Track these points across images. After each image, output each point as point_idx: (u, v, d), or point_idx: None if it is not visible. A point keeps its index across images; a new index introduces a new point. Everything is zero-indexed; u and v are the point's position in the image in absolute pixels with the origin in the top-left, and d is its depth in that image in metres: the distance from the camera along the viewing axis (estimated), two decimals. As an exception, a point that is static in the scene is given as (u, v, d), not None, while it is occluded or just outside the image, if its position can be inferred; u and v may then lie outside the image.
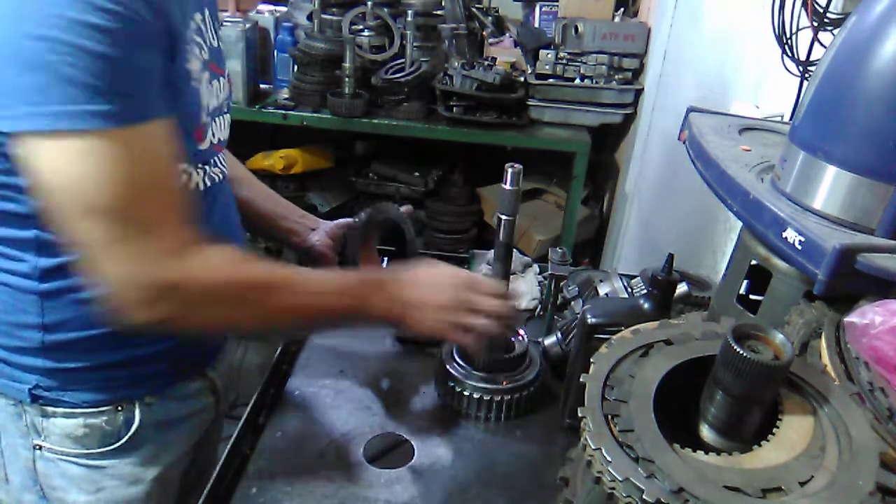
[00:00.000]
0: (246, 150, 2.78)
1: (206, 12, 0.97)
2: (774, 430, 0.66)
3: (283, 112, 2.60)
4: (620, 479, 0.59)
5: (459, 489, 1.02)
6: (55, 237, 0.86)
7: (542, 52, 2.63)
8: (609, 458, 0.61)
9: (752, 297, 1.01)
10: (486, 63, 2.60)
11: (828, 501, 0.59)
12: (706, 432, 0.71)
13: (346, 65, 2.50)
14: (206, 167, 1.01)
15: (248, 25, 2.54)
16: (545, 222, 3.00)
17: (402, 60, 2.61)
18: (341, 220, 1.29)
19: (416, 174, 3.01)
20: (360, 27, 2.67)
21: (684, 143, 1.16)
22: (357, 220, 1.26)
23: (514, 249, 1.20)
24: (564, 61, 2.64)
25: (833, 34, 1.31)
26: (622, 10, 2.91)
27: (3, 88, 0.74)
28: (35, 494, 1.07)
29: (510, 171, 1.01)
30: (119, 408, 1.03)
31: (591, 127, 2.72)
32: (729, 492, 0.59)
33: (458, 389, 1.15)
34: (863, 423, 0.66)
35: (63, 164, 0.76)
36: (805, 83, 1.40)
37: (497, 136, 2.63)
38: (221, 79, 1.02)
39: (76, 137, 0.75)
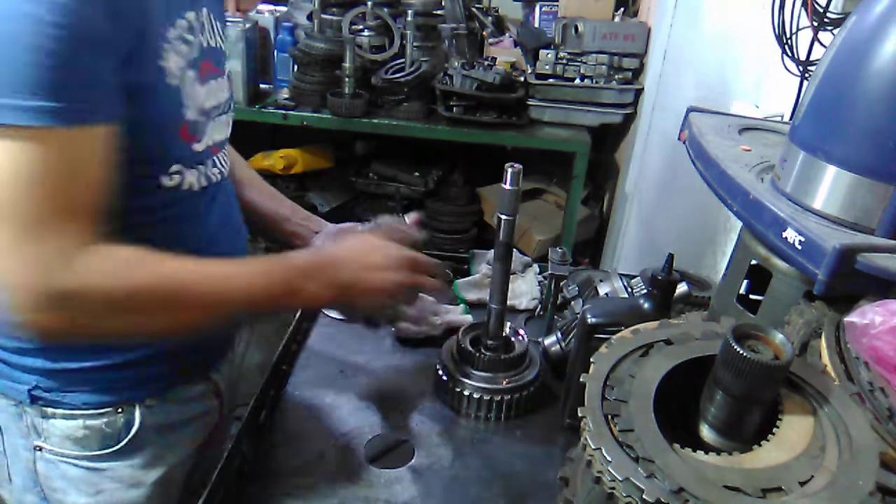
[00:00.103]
0: (246, 150, 2.76)
1: (205, 11, 0.97)
2: (774, 430, 0.66)
3: (283, 112, 2.60)
4: (620, 479, 0.59)
5: (459, 489, 1.02)
6: None
7: (542, 52, 2.64)
8: (609, 458, 0.61)
9: (752, 297, 1.01)
10: (486, 63, 2.60)
11: (828, 501, 0.58)
12: (706, 432, 0.71)
13: (346, 65, 2.50)
14: (202, 167, 1.00)
15: (248, 25, 2.54)
16: (545, 222, 3.00)
17: (402, 60, 2.61)
18: (345, 225, 1.26)
19: (416, 174, 3.01)
20: (360, 27, 2.67)
21: (684, 143, 1.16)
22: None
23: (514, 249, 1.20)
24: (564, 61, 2.64)
25: (833, 34, 1.31)
26: (622, 10, 2.91)
27: None
28: (36, 495, 1.06)
29: (510, 171, 1.01)
30: (119, 410, 1.02)
31: (591, 127, 2.72)
32: (729, 492, 0.59)
33: (458, 389, 1.15)
34: (863, 423, 0.66)
35: None
36: (805, 83, 1.40)
37: (497, 136, 2.63)
38: (220, 79, 1.01)
39: None
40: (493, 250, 1.11)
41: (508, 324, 1.20)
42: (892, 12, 0.77)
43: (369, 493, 0.99)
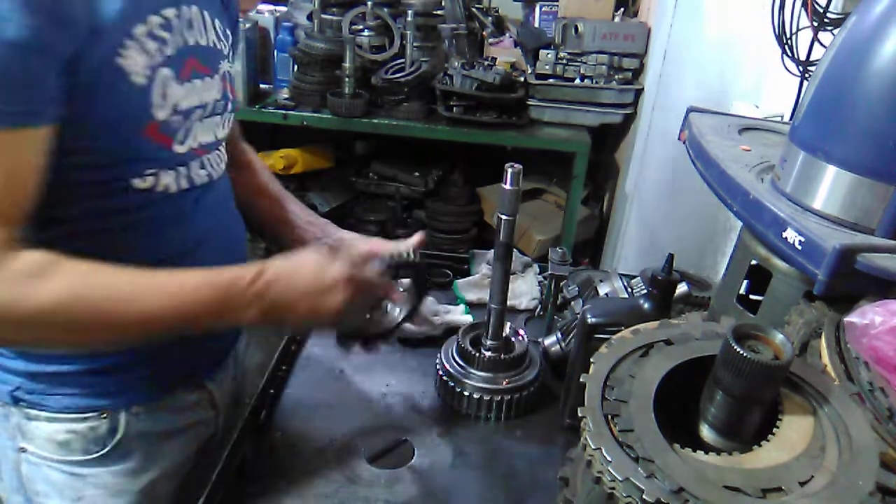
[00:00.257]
0: (246, 150, 2.78)
1: (194, 9, 0.94)
2: (774, 430, 0.66)
3: (283, 112, 2.61)
4: (620, 479, 0.59)
5: (459, 489, 1.02)
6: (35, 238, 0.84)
7: (542, 52, 2.64)
8: (609, 458, 0.61)
9: (752, 297, 1.01)
10: (486, 63, 2.61)
11: (828, 501, 0.58)
12: (706, 432, 0.71)
13: (346, 65, 2.50)
14: (183, 169, 0.96)
15: (248, 25, 2.55)
16: (545, 222, 3.00)
17: (402, 60, 2.61)
18: (344, 235, 1.19)
19: (416, 174, 3.01)
20: (360, 27, 2.67)
21: (684, 143, 1.16)
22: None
23: (514, 249, 1.20)
24: (564, 61, 2.65)
25: (833, 34, 1.31)
26: (622, 10, 2.91)
27: None
28: (21, 496, 1.05)
29: (510, 171, 1.01)
30: (103, 415, 1.00)
31: (591, 127, 2.73)
32: (729, 492, 0.59)
33: (458, 389, 1.15)
34: (863, 423, 0.66)
35: None
36: (805, 83, 1.40)
37: (497, 136, 2.63)
38: (209, 78, 0.98)
39: None
40: (493, 250, 1.11)
41: (508, 324, 1.20)
42: (892, 12, 0.77)
43: (369, 493, 0.99)
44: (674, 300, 1.09)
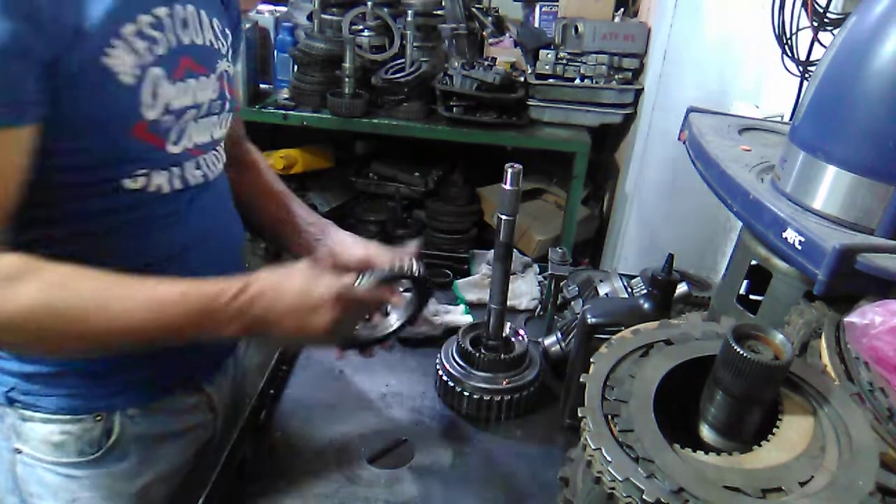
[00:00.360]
0: (246, 150, 2.78)
1: (190, 8, 0.93)
2: (774, 430, 0.66)
3: (283, 112, 2.60)
4: (620, 479, 0.59)
5: (459, 489, 1.02)
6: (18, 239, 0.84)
7: (542, 52, 2.64)
8: (609, 458, 0.61)
9: (752, 297, 1.01)
10: (486, 63, 2.60)
11: (828, 501, 0.58)
12: (706, 432, 0.71)
13: (346, 65, 2.50)
14: (177, 169, 0.95)
15: (248, 25, 2.55)
16: (545, 222, 3.00)
17: (402, 60, 2.61)
18: (344, 238, 1.12)
19: (416, 174, 3.01)
20: (360, 27, 2.67)
21: (684, 143, 1.16)
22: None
23: (514, 249, 1.20)
24: (564, 61, 2.65)
25: (833, 34, 1.31)
26: (622, 10, 2.91)
27: None
28: (16, 498, 1.05)
29: (510, 171, 1.01)
30: (98, 417, 0.99)
31: (591, 127, 2.72)
32: (729, 492, 0.59)
33: (458, 389, 1.15)
34: (863, 423, 0.66)
35: None
36: (805, 83, 1.40)
37: (497, 136, 2.63)
38: (205, 78, 0.96)
39: None
40: (493, 250, 1.11)
41: (508, 324, 1.20)
42: (892, 12, 0.77)
43: (369, 493, 0.99)
44: (674, 300, 1.09)
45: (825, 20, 1.32)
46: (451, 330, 1.33)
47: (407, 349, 1.33)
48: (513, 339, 1.21)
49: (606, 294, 1.34)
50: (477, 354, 1.16)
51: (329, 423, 1.13)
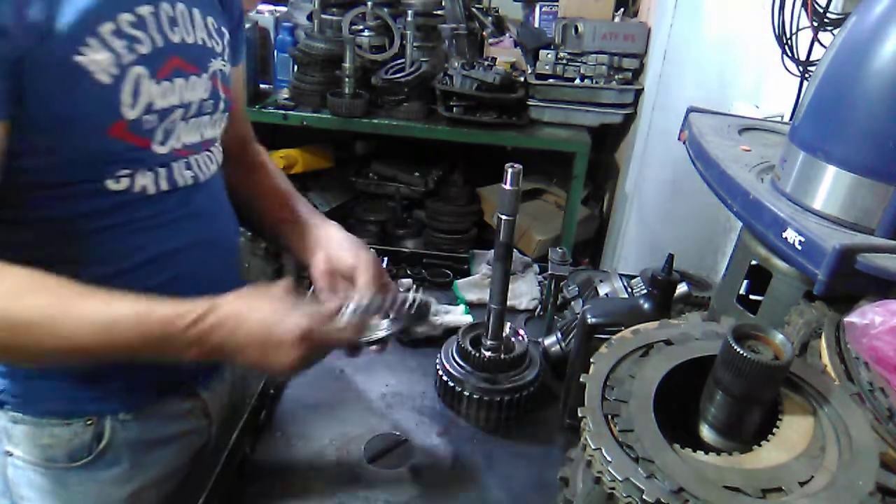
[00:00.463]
0: (246, 150, 2.78)
1: (180, 7, 0.91)
2: (774, 430, 0.66)
3: (283, 112, 2.61)
4: (620, 479, 0.59)
5: (459, 489, 1.02)
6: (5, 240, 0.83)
7: (542, 52, 2.64)
8: (609, 458, 0.61)
9: (752, 297, 1.01)
10: (486, 63, 2.61)
11: (828, 501, 0.59)
12: (706, 432, 0.71)
13: (346, 65, 2.50)
14: (163, 170, 0.93)
15: (248, 25, 2.54)
16: (545, 222, 3.00)
17: (402, 60, 2.61)
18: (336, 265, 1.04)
19: (416, 174, 3.01)
20: (360, 27, 2.67)
21: (684, 143, 1.16)
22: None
23: (514, 249, 1.20)
24: (564, 61, 2.65)
25: (833, 34, 1.31)
26: (622, 10, 2.91)
27: None
28: (7, 500, 1.04)
29: (510, 171, 1.01)
30: (89, 422, 0.98)
31: (591, 127, 2.73)
32: (729, 492, 0.59)
33: (458, 389, 1.15)
34: (863, 423, 0.66)
35: None
36: (805, 83, 1.40)
37: (497, 136, 2.63)
38: (195, 77, 0.94)
39: None
40: (493, 250, 1.11)
41: (508, 324, 1.20)
42: (892, 12, 0.77)
43: (369, 493, 0.99)
44: (674, 300, 1.09)
45: (825, 20, 1.32)
46: (451, 330, 1.33)
47: (407, 349, 1.33)
48: (513, 339, 1.21)
49: (606, 294, 1.34)
50: (477, 354, 1.16)
51: (329, 423, 1.13)
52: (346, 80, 2.52)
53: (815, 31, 1.34)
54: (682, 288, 1.22)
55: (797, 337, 0.81)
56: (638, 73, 2.72)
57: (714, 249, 1.82)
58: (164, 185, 0.93)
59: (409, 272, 1.58)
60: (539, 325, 1.42)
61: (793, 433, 0.66)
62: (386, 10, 2.70)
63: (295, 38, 2.70)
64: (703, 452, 0.64)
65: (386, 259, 1.59)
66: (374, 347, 0.97)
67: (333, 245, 1.05)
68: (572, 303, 1.40)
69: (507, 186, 1.02)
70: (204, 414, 1.13)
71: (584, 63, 2.65)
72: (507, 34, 3.02)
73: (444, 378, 1.17)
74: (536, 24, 2.99)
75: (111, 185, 0.88)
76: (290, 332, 0.80)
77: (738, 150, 1.03)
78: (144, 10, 0.86)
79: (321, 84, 2.61)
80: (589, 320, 1.03)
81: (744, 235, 0.96)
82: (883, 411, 0.68)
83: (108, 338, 0.79)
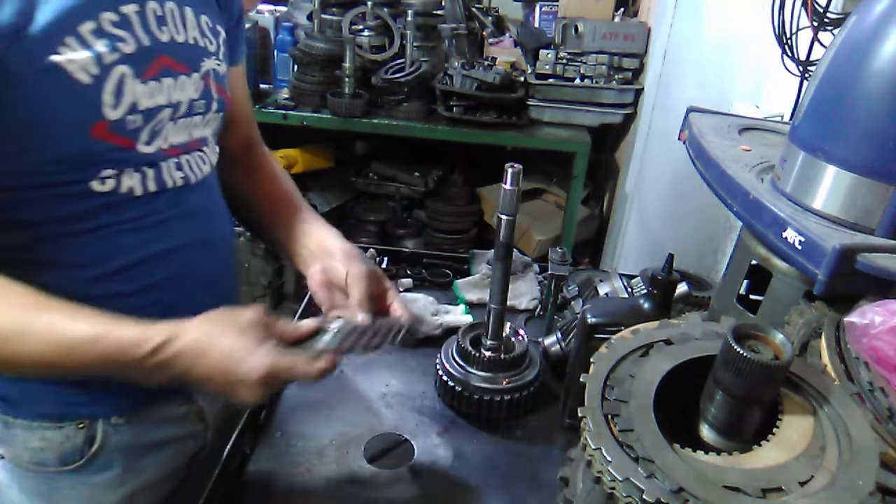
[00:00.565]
0: (246, 150, 2.78)
1: (169, 6, 0.89)
2: (774, 430, 0.66)
3: (283, 112, 2.61)
4: (620, 479, 0.59)
5: (459, 489, 1.02)
6: None
7: (542, 52, 2.64)
8: (609, 458, 0.61)
9: (752, 297, 1.01)
10: (486, 63, 2.61)
11: (828, 501, 0.58)
12: (706, 432, 0.71)
13: (346, 65, 2.50)
14: (151, 171, 0.91)
15: (248, 25, 2.54)
16: (545, 222, 3.00)
17: (402, 60, 2.62)
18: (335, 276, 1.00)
19: (416, 174, 3.02)
20: (360, 27, 2.67)
21: (684, 143, 1.16)
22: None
23: (514, 249, 1.20)
24: (564, 61, 2.65)
25: (833, 34, 1.31)
26: (622, 10, 2.91)
27: None
28: None
29: (510, 171, 1.01)
30: (80, 425, 0.97)
31: (591, 127, 2.73)
32: (729, 492, 0.59)
33: (458, 389, 1.15)
34: (863, 423, 0.66)
35: None
36: (805, 83, 1.40)
37: (497, 136, 2.63)
38: (183, 77, 0.92)
39: None
40: (493, 250, 1.11)
41: (508, 324, 1.20)
42: (892, 12, 0.77)
43: (369, 493, 0.99)
44: (674, 300, 1.09)
45: (825, 20, 1.32)
46: (451, 330, 1.33)
47: (407, 349, 1.33)
48: (513, 339, 1.21)
49: (606, 294, 1.34)
50: (477, 354, 1.16)
51: (329, 423, 1.13)
52: (346, 80, 2.53)
53: (815, 31, 1.34)
54: (682, 288, 1.22)
55: (797, 337, 0.81)
56: (638, 73, 2.72)
57: (714, 249, 1.82)
58: (151, 187, 0.92)
59: (409, 272, 1.58)
60: (539, 325, 1.42)
61: (793, 433, 0.66)
62: (386, 10, 2.70)
63: (295, 38, 2.70)
64: (703, 452, 0.64)
65: (386, 259, 1.59)
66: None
67: (329, 257, 1.02)
68: (572, 303, 1.40)
69: (507, 186, 1.02)
70: (199, 418, 1.12)
71: (584, 63, 2.65)
72: (507, 34, 3.02)
73: (444, 378, 1.17)
74: (536, 24, 2.99)
75: (96, 186, 0.86)
76: (252, 371, 0.78)
77: (738, 150, 1.03)
78: (129, 8, 0.85)
79: (321, 84, 2.61)
80: (589, 320, 1.03)
81: (744, 235, 0.97)
82: (883, 411, 0.68)
83: (65, 359, 0.78)
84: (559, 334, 1.27)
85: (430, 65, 2.64)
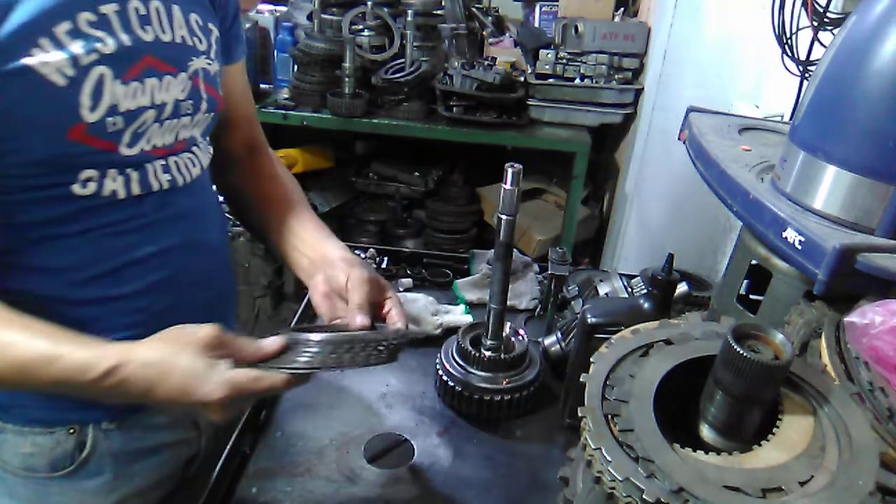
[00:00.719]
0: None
1: (154, 5, 0.88)
2: (774, 430, 0.66)
3: (283, 112, 2.61)
4: (620, 479, 0.59)
5: (459, 489, 1.02)
6: None
7: (542, 52, 2.64)
8: (609, 458, 0.61)
9: (752, 297, 1.01)
10: (486, 63, 2.61)
11: (828, 501, 0.58)
12: (706, 432, 0.71)
13: (346, 65, 2.50)
14: (134, 173, 0.89)
15: (248, 25, 2.54)
16: (545, 222, 3.00)
17: (402, 60, 2.62)
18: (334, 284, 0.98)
19: (416, 174, 3.02)
20: (360, 27, 2.67)
21: (684, 142, 1.16)
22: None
23: (514, 249, 1.20)
24: (564, 61, 2.65)
25: (833, 34, 1.31)
26: (622, 10, 2.91)
27: None
28: None
29: (510, 171, 1.01)
30: (71, 431, 0.97)
31: (591, 127, 2.73)
32: (729, 492, 0.59)
33: (459, 389, 1.15)
34: (863, 423, 0.66)
35: None
36: (805, 83, 1.40)
37: (497, 136, 2.63)
38: (168, 77, 0.90)
39: None
40: (493, 250, 1.11)
41: (508, 324, 1.20)
42: (892, 12, 0.77)
43: (369, 493, 0.99)
44: (674, 300, 1.09)
45: (825, 20, 1.32)
46: (451, 330, 1.33)
47: (407, 349, 1.33)
48: (513, 339, 1.21)
49: (606, 294, 1.34)
50: (477, 354, 1.16)
51: (329, 423, 1.13)
52: (346, 79, 2.53)
53: (815, 30, 1.34)
54: (682, 288, 1.22)
55: (797, 337, 0.81)
56: (638, 72, 2.72)
57: (714, 249, 1.82)
58: (136, 189, 0.90)
59: (409, 272, 1.58)
60: (539, 325, 1.42)
61: (793, 433, 0.66)
62: (386, 9, 2.70)
63: (295, 38, 2.70)
64: (703, 452, 0.64)
65: (386, 259, 1.59)
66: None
67: (331, 266, 1.00)
68: (572, 303, 1.40)
69: (507, 186, 1.02)
70: (193, 425, 1.11)
71: (584, 63, 2.65)
72: (507, 34, 3.02)
73: (444, 378, 1.17)
74: (536, 24, 2.99)
75: (77, 189, 0.85)
76: (211, 393, 0.76)
77: (738, 150, 1.03)
78: (108, 8, 0.82)
79: (321, 84, 2.61)
80: (589, 320, 1.03)
81: (744, 235, 0.97)
82: (883, 411, 0.68)
83: (22, 379, 0.77)
84: (559, 334, 1.27)
85: (430, 65, 2.64)
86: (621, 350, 0.74)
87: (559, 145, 2.67)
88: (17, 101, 0.77)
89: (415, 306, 1.38)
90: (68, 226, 0.87)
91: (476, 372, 1.16)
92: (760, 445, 0.65)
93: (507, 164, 1.01)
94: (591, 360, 0.73)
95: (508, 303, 1.19)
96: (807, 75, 1.40)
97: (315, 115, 2.60)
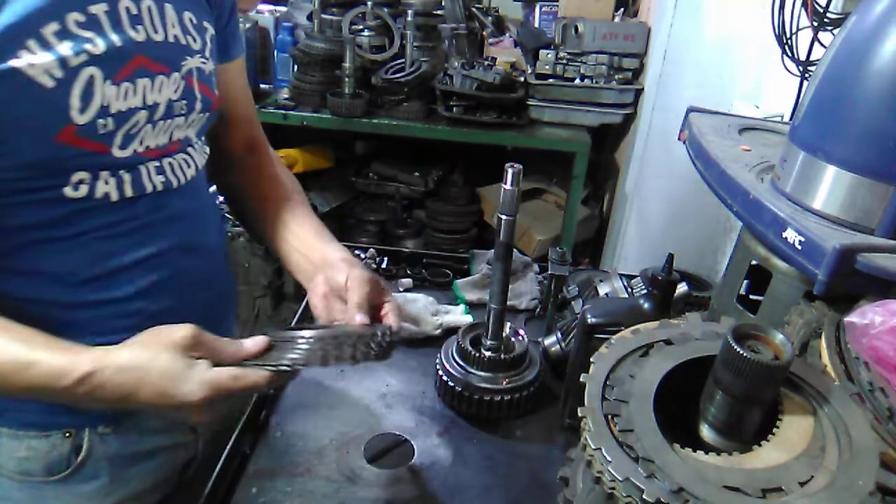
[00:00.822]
0: (246, 150, 2.78)
1: (145, 4, 0.86)
2: (774, 430, 0.66)
3: (283, 112, 2.61)
4: (620, 479, 0.59)
5: (459, 489, 1.02)
6: None
7: (542, 52, 2.64)
8: (609, 458, 0.61)
9: (752, 297, 1.01)
10: (486, 63, 2.61)
11: (828, 501, 0.58)
12: (706, 432, 0.71)
13: (346, 65, 2.50)
14: (127, 175, 0.88)
15: (248, 25, 2.55)
16: (545, 222, 3.00)
17: (402, 60, 2.62)
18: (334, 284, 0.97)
19: (416, 174, 3.02)
20: (360, 27, 2.68)
21: (684, 142, 1.16)
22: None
23: (514, 249, 1.20)
24: (564, 61, 2.65)
25: (833, 34, 1.31)
26: (622, 10, 2.91)
27: None
28: None
29: (510, 171, 1.01)
30: (67, 434, 0.96)
31: (591, 127, 2.73)
32: (729, 492, 0.59)
33: (459, 389, 1.15)
34: (863, 423, 0.66)
35: None
36: (805, 83, 1.40)
37: (497, 136, 2.63)
38: (161, 76, 0.88)
39: None
40: (493, 250, 1.11)
41: (508, 324, 1.20)
42: (892, 12, 0.77)
43: (369, 493, 0.99)
44: (674, 300, 1.09)
45: (825, 20, 1.32)
46: (451, 330, 1.33)
47: (407, 349, 1.33)
48: (513, 339, 1.21)
49: (606, 294, 1.34)
50: (477, 354, 1.16)
51: (329, 423, 1.13)
52: (346, 80, 2.53)
53: (815, 30, 1.34)
54: (682, 288, 1.22)
55: (797, 337, 0.81)
56: (638, 73, 2.72)
57: (714, 249, 1.82)
58: (129, 191, 0.89)
59: (409, 272, 1.58)
60: (539, 325, 1.42)
61: (793, 433, 0.66)
62: (386, 9, 2.70)
63: (295, 38, 2.70)
64: (703, 452, 0.64)
65: (386, 259, 1.59)
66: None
67: (331, 267, 0.99)
68: (572, 303, 1.40)
69: (507, 186, 1.02)
70: (190, 428, 1.11)
71: (584, 63, 2.65)
72: (507, 34, 3.02)
73: (444, 378, 1.17)
74: (536, 24, 2.99)
75: (69, 192, 0.84)
76: (190, 393, 0.75)
77: (738, 150, 1.03)
78: (97, 8, 0.81)
79: (321, 84, 2.61)
80: (589, 320, 1.03)
81: (744, 235, 0.97)
82: (883, 411, 0.68)
83: (6, 384, 0.76)
84: (559, 334, 1.27)
85: (430, 65, 2.64)
86: (621, 350, 0.74)
87: (559, 145, 2.67)
88: (4, 103, 0.76)
89: (415, 306, 1.38)
90: (60, 229, 0.86)
91: (476, 372, 1.16)
92: (760, 445, 0.65)
93: (507, 164, 1.01)
94: (591, 360, 0.73)
95: (508, 303, 1.19)
96: (807, 75, 1.40)
97: (315, 115, 2.61)
